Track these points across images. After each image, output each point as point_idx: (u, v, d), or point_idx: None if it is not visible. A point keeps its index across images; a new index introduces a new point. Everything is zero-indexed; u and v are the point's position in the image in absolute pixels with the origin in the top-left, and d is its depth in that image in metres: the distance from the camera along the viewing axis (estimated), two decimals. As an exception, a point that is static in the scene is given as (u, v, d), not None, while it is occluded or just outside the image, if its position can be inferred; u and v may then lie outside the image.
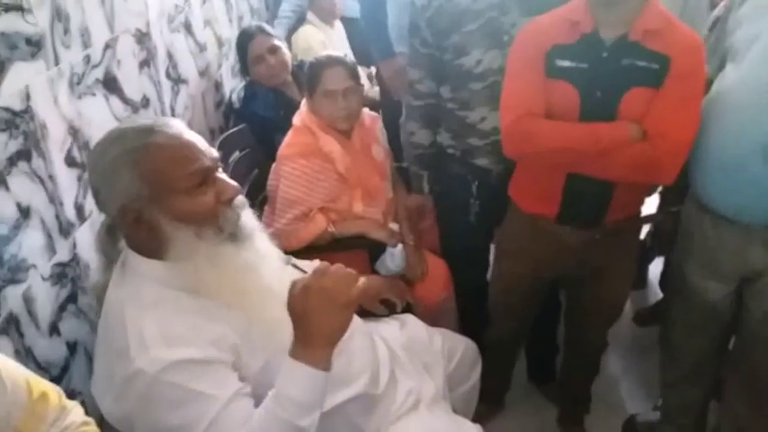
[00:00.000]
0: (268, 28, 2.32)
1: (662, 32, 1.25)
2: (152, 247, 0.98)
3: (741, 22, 1.33)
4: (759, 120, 1.25)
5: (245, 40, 2.27)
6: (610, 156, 1.28)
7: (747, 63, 1.28)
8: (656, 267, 2.55)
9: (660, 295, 2.44)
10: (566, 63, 1.31)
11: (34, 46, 1.14)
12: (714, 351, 1.62)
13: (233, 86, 2.51)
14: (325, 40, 2.88)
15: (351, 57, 1.98)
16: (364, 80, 2.81)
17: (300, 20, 3.03)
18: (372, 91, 2.86)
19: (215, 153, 1.02)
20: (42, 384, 0.87)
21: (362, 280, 0.95)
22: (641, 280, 2.58)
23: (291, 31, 3.01)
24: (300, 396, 0.90)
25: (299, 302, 0.91)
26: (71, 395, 1.22)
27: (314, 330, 0.91)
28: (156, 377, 0.88)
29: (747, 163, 1.27)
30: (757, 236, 1.35)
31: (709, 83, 1.38)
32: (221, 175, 1.02)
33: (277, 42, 2.26)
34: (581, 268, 1.56)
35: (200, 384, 0.90)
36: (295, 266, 1.34)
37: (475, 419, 1.44)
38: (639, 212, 1.56)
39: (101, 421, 1.32)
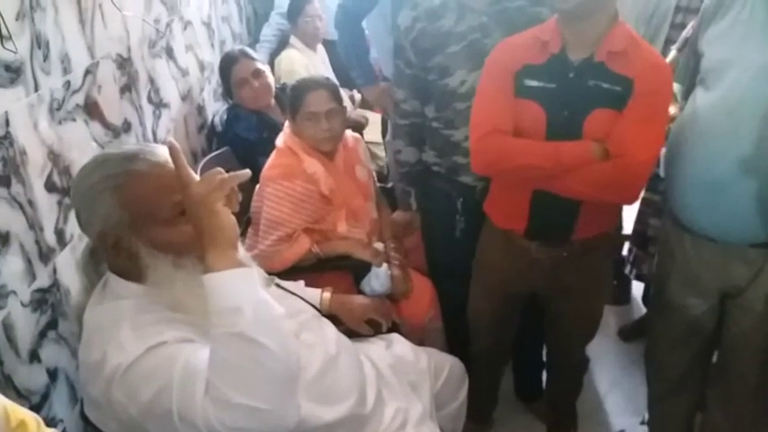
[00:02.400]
0: (251, 52, 2.34)
1: (626, 54, 1.28)
2: (132, 272, 0.98)
3: (710, 44, 1.35)
4: (735, 142, 1.27)
5: (228, 63, 2.28)
6: (572, 174, 1.30)
7: (720, 88, 1.30)
8: (639, 283, 2.57)
9: (644, 310, 2.46)
10: (534, 83, 1.35)
11: (14, 72, 1.14)
12: (698, 365, 1.63)
13: (215, 110, 2.51)
14: (308, 64, 2.90)
15: (333, 79, 2.00)
16: (347, 102, 2.84)
17: (282, 44, 3.06)
18: (355, 113, 2.89)
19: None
20: (20, 412, 0.86)
21: (223, 176, 0.91)
22: (624, 295, 2.60)
23: (273, 54, 3.04)
24: (219, 303, 0.85)
25: (189, 216, 0.90)
26: (52, 423, 1.21)
27: (203, 239, 0.88)
28: (131, 364, 0.87)
29: (725, 184, 1.29)
30: (738, 253, 1.37)
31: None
32: None
33: (260, 66, 2.28)
34: (552, 286, 1.57)
35: (168, 353, 0.89)
36: (279, 286, 1.34)
37: (463, 438, 1.44)
38: (611, 231, 1.57)
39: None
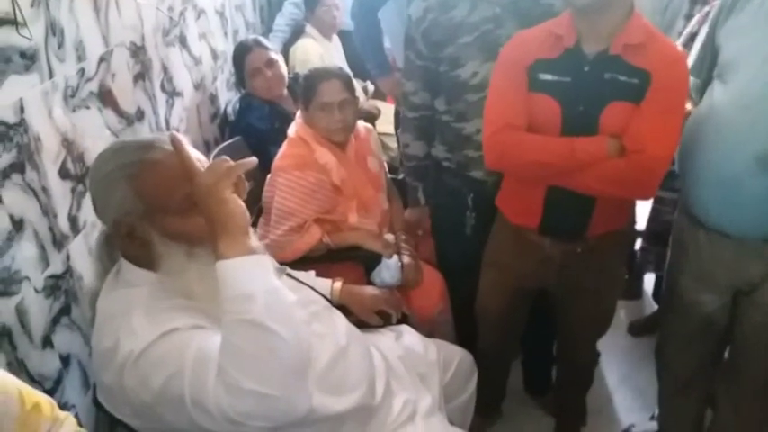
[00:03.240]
0: (265, 41, 2.33)
1: (643, 47, 1.26)
2: (145, 260, 0.99)
3: (728, 38, 1.33)
4: (752, 137, 1.25)
5: (242, 52, 2.27)
6: (587, 170, 1.28)
7: (738, 82, 1.28)
8: (650, 278, 2.56)
9: (655, 306, 2.45)
10: (548, 77, 1.33)
11: (28, 59, 1.15)
12: (709, 361, 1.62)
13: (228, 99, 2.52)
14: (323, 54, 2.89)
15: (347, 70, 1.99)
16: (360, 93, 2.84)
17: (296, 33, 3.05)
18: (368, 104, 2.88)
19: None
20: (35, 395, 0.87)
21: (229, 164, 0.90)
22: (636, 291, 2.59)
23: (287, 44, 3.03)
24: (230, 291, 0.85)
25: (198, 205, 0.90)
26: (64, 408, 1.21)
27: (212, 228, 0.88)
28: (144, 351, 0.88)
29: (742, 179, 1.28)
30: (753, 249, 1.35)
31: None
32: None
33: (274, 56, 2.27)
34: (563, 282, 1.56)
35: (180, 339, 0.89)
36: (290, 276, 1.34)
37: (471, 431, 1.43)
38: (625, 227, 1.55)
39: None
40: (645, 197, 1.37)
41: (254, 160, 0.93)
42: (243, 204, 0.90)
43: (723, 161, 1.31)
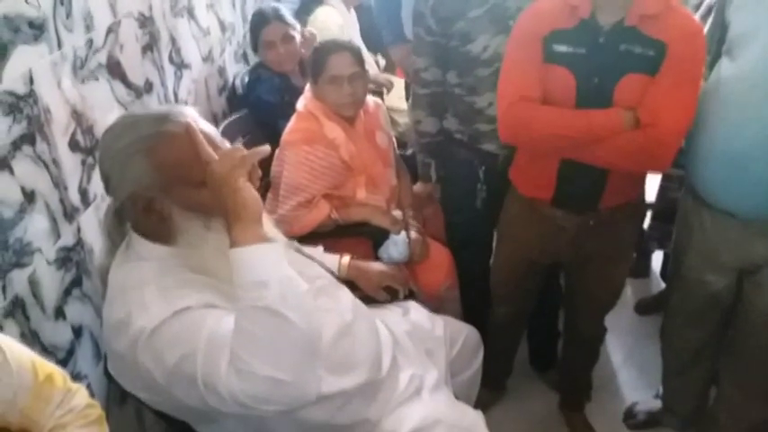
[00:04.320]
0: (286, 14, 2.27)
1: (659, 17, 1.24)
2: (162, 234, 0.98)
3: (737, 13, 1.31)
4: (760, 116, 1.23)
5: (260, 22, 2.22)
6: (602, 143, 1.28)
7: (746, 59, 1.26)
8: (658, 257, 2.55)
9: (662, 285, 2.44)
10: (563, 48, 1.31)
11: (37, 29, 1.14)
12: (714, 340, 1.63)
13: (236, 72, 2.49)
14: (342, 24, 2.85)
15: (361, 43, 1.95)
16: (372, 66, 2.81)
17: (307, 3, 3.00)
18: (381, 76, 2.84)
19: (227, 143, 1.02)
20: (48, 367, 0.88)
21: (243, 152, 0.92)
22: (644, 269, 2.58)
23: (297, 14, 2.98)
24: (244, 277, 0.86)
25: (212, 194, 0.92)
26: (76, 378, 1.24)
27: (227, 215, 0.89)
28: (157, 328, 0.89)
29: (747, 158, 1.27)
30: (758, 229, 1.35)
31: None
32: None
33: (292, 32, 2.22)
34: (576, 254, 1.56)
35: (193, 319, 0.90)
36: (299, 251, 1.35)
37: (477, 406, 1.45)
38: (637, 199, 1.55)
39: (107, 403, 1.34)
40: (659, 170, 1.37)
41: (266, 149, 0.94)
42: (256, 192, 0.91)
43: (728, 138, 1.29)
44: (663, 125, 1.23)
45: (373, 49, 2.92)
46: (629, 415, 1.97)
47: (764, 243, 1.36)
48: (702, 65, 1.30)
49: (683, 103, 1.25)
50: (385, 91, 2.80)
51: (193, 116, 0.99)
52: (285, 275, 0.88)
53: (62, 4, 1.22)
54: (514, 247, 1.65)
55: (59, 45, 1.21)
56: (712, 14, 1.45)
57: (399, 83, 2.83)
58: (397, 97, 2.75)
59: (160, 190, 0.95)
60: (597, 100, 1.29)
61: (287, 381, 0.84)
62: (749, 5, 1.28)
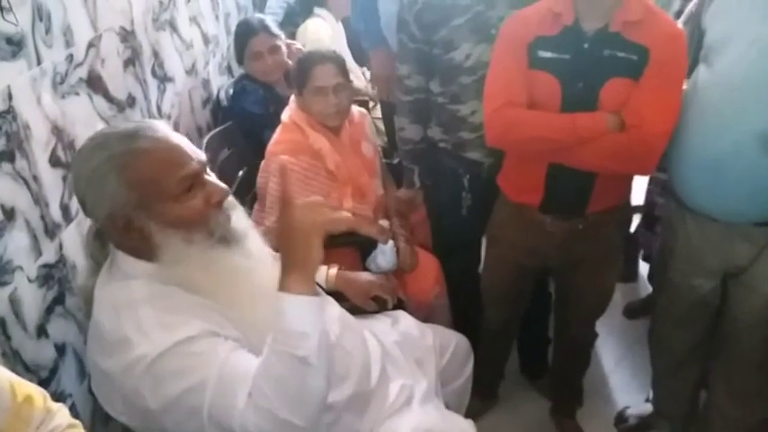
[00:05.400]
0: (272, 25, 2.27)
1: (642, 23, 1.26)
2: (144, 251, 0.97)
3: (714, 19, 1.33)
4: (741, 120, 1.25)
5: (247, 33, 2.22)
6: (586, 146, 1.29)
7: (722, 65, 1.28)
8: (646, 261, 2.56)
9: (650, 289, 2.45)
10: (548, 54, 1.33)
11: (15, 45, 1.12)
12: (701, 342, 1.63)
13: (220, 84, 2.49)
14: (333, 35, 2.86)
15: (348, 54, 1.95)
16: (360, 78, 2.82)
17: (290, 15, 3.01)
18: (369, 89, 2.85)
19: (202, 155, 1.01)
20: (27, 387, 0.86)
21: (332, 211, 0.95)
22: (632, 274, 2.60)
23: (281, 26, 2.98)
24: (289, 325, 0.88)
25: (277, 239, 0.95)
26: (60, 397, 1.22)
27: (288, 260, 0.92)
28: (159, 357, 0.88)
29: (726, 163, 1.28)
30: (740, 232, 1.36)
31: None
32: (209, 177, 1.01)
33: (278, 42, 2.23)
34: (564, 259, 1.57)
35: (200, 350, 0.90)
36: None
37: (468, 415, 1.44)
38: (623, 204, 1.56)
39: (93, 422, 1.31)
40: (644, 172, 1.39)
41: (353, 219, 0.97)
42: (322, 250, 0.92)
43: (706, 145, 1.31)
44: (647, 126, 1.25)
45: (359, 60, 2.92)
46: (621, 419, 1.97)
47: (747, 245, 1.37)
48: (685, 68, 1.31)
49: (666, 105, 1.27)
50: (371, 104, 2.80)
51: (164, 130, 0.98)
52: (324, 330, 0.92)
53: (41, 20, 1.21)
54: (504, 251, 1.66)
55: (39, 61, 1.20)
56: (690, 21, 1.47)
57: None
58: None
59: (137, 207, 0.94)
60: (582, 105, 1.30)
61: (301, 426, 0.88)
62: (724, 12, 1.30)
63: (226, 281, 0.99)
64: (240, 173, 1.99)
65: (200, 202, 0.97)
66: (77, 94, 1.35)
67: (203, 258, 0.96)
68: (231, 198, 1.04)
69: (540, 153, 1.38)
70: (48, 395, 0.90)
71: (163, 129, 0.98)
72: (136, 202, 0.94)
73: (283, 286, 0.90)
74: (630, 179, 1.54)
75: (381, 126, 2.65)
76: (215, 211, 0.99)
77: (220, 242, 0.99)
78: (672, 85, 1.27)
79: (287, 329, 0.88)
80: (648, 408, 1.92)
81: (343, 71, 1.75)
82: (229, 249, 1.00)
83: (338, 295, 1.45)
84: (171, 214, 0.95)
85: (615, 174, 1.38)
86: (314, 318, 0.90)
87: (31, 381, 1.05)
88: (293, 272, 0.90)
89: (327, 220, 0.93)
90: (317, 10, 2.93)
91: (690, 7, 1.69)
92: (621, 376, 2.17)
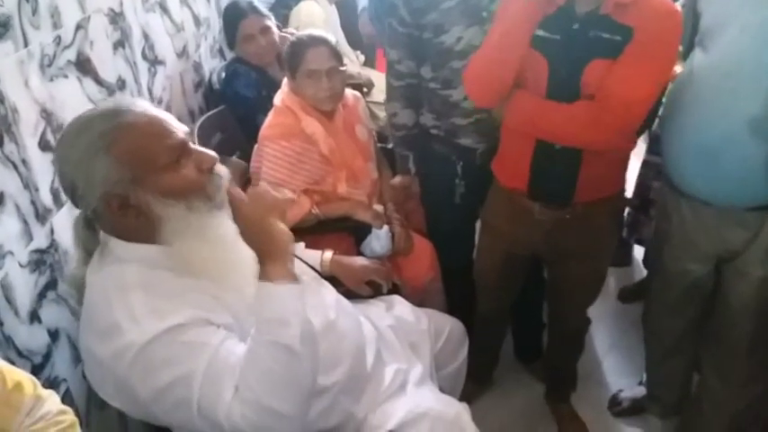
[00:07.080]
0: (260, 6, 2.25)
1: (633, 5, 1.24)
2: (142, 231, 0.96)
3: (709, 3, 1.32)
4: (736, 104, 1.24)
5: (236, 16, 2.19)
6: (559, 110, 1.30)
7: (717, 49, 1.27)
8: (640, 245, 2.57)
9: (645, 273, 2.46)
10: (541, 33, 1.31)
11: (1, 27, 1.10)
12: (695, 327, 1.64)
13: (212, 67, 2.46)
14: (326, 19, 2.82)
15: (342, 38, 1.92)
16: (353, 62, 2.79)
17: (281, -1, 2.97)
18: (363, 74, 2.82)
19: (184, 127, 1.00)
20: (16, 374, 0.86)
21: (284, 193, 0.98)
22: (626, 258, 2.60)
23: (275, 7, 2.95)
24: (269, 313, 0.90)
25: (242, 237, 0.98)
26: (55, 382, 1.22)
27: (258, 251, 0.95)
28: (147, 344, 0.88)
29: (721, 148, 1.27)
30: (735, 217, 1.36)
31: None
32: (195, 146, 1.00)
33: (268, 23, 2.20)
34: (553, 249, 1.57)
35: (189, 340, 0.90)
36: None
37: (462, 398, 1.45)
38: (615, 195, 1.54)
39: (88, 407, 1.31)
40: (616, 145, 1.36)
41: (293, 196, 0.98)
42: (285, 227, 0.97)
43: (701, 130, 1.30)
44: (613, 96, 1.24)
45: (353, 44, 2.89)
46: (614, 402, 1.99)
47: (741, 230, 1.37)
48: (672, 45, 1.28)
49: (638, 77, 1.24)
50: (365, 90, 2.78)
51: (144, 105, 0.97)
52: (306, 317, 0.93)
53: (27, 0, 1.19)
54: (495, 238, 1.65)
55: (26, 43, 1.18)
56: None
57: (380, 78, 2.81)
58: (377, 90, 2.73)
59: (131, 183, 0.92)
60: (566, 85, 1.30)
61: (289, 415, 0.88)
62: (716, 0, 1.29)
63: (222, 251, 0.99)
64: (233, 157, 1.97)
65: (192, 170, 0.97)
66: (66, 76, 1.33)
67: (203, 226, 0.96)
68: (223, 168, 1.03)
69: (516, 118, 1.38)
70: (38, 382, 0.89)
71: (142, 104, 0.97)
72: (129, 178, 0.92)
73: (262, 275, 0.93)
74: (620, 169, 1.51)
75: (376, 111, 2.63)
76: (209, 176, 0.99)
77: (219, 207, 0.99)
78: (649, 59, 1.24)
79: (267, 318, 0.89)
80: (642, 391, 1.93)
81: (337, 54, 1.73)
82: (227, 214, 1.01)
83: (333, 280, 1.45)
84: (167, 184, 0.94)
85: (597, 149, 1.35)
86: (294, 305, 0.91)
87: (24, 366, 1.05)
88: (267, 261, 0.93)
89: (273, 201, 0.97)
90: None
91: None
92: (615, 360, 2.18)
